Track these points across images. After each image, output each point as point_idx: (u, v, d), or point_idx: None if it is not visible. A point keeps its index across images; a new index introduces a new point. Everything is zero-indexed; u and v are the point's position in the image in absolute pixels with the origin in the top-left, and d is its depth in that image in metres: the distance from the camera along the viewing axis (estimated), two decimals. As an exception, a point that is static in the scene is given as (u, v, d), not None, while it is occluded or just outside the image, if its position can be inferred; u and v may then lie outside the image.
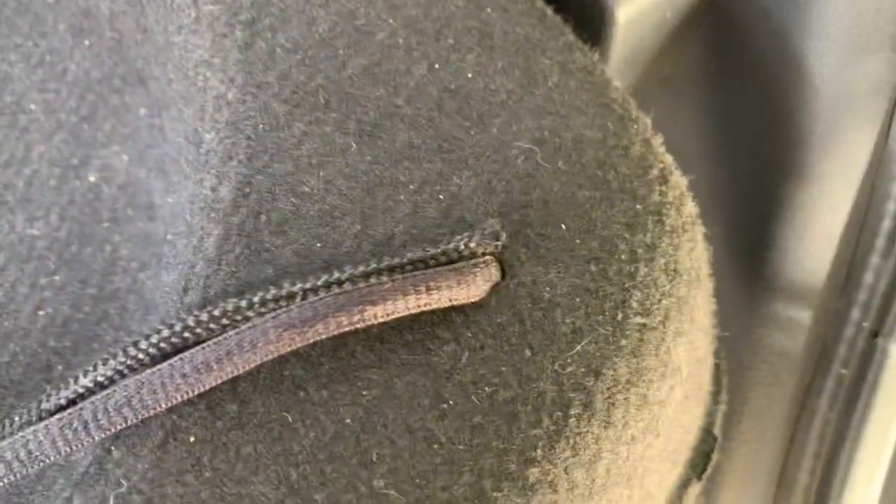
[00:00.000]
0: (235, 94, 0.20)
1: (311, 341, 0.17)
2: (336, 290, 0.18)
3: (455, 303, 0.18)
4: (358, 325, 0.17)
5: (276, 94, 0.20)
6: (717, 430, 0.24)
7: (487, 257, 0.19)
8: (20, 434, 0.17)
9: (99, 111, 0.27)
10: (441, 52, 0.21)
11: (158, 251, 0.24)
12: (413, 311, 0.18)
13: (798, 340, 0.26)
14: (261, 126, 0.20)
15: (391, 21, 0.21)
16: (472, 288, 0.18)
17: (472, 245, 0.19)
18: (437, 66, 0.21)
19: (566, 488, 0.18)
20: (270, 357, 0.17)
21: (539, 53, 0.22)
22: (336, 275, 0.18)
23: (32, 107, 0.27)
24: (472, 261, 0.18)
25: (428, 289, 0.17)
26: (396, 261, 0.18)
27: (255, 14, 0.21)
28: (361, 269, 0.18)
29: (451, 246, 0.18)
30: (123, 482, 0.17)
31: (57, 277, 0.24)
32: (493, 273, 0.19)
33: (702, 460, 0.24)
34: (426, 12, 0.22)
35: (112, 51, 0.27)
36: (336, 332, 0.17)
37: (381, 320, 0.17)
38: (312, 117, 0.20)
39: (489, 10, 0.22)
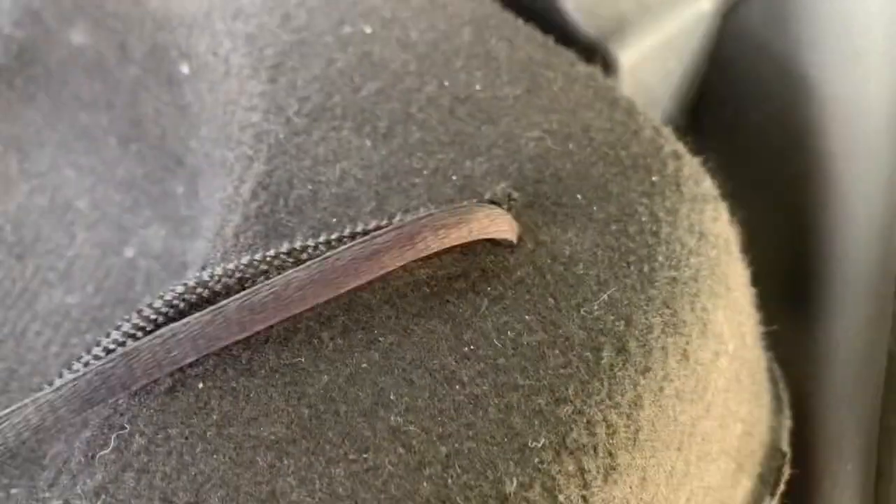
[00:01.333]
0: (259, 116, 0.22)
1: (327, 297, 0.17)
2: (353, 240, 0.17)
3: (484, 236, 0.18)
4: (381, 271, 0.17)
5: (297, 111, 0.22)
6: (784, 447, 0.22)
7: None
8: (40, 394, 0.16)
9: (140, 201, 0.28)
10: (450, 73, 0.23)
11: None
12: (444, 246, 0.17)
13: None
14: (281, 134, 0.21)
15: (403, 55, 0.23)
16: (499, 222, 0.18)
17: (487, 199, 0.19)
18: (446, 83, 0.22)
19: (605, 432, 0.16)
20: (286, 312, 0.17)
21: (543, 68, 0.23)
22: (349, 229, 0.18)
23: (80, 205, 0.29)
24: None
25: (451, 225, 0.17)
26: (404, 220, 0.18)
27: (279, 61, 0.23)
28: (374, 223, 0.18)
29: (462, 205, 0.18)
30: (127, 426, 0.16)
31: (88, 336, 0.24)
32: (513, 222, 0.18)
33: (772, 476, 0.21)
34: (435, 47, 0.23)
35: (155, 147, 0.29)
36: (358, 281, 0.17)
37: (406, 260, 0.17)
38: (330, 126, 0.21)
39: (494, 41, 0.24)
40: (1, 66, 0.31)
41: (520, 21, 0.25)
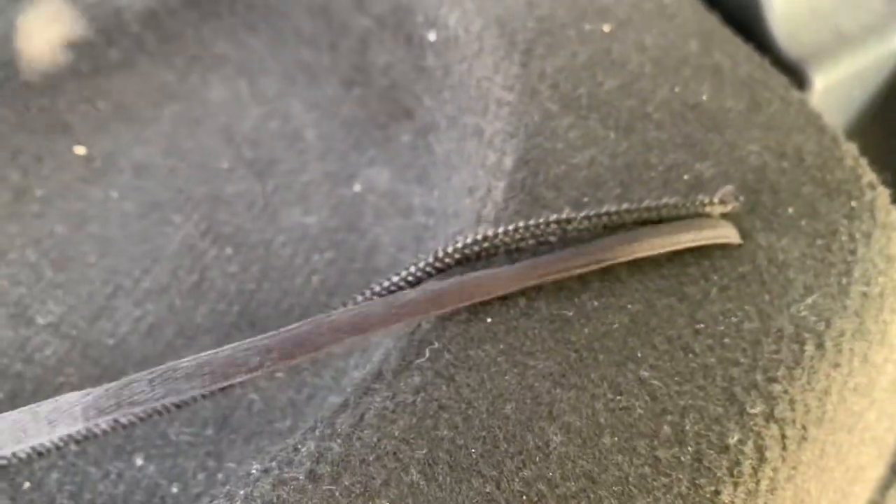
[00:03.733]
0: (514, 97, 0.25)
1: (590, 266, 0.21)
2: (606, 220, 0.21)
3: (715, 241, 0.21)
4: (624, 258, 0.21)
5: (549, 97, 0.25)
6: (915, 443, 0.26)
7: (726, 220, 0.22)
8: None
9: (363, 142, 0.32)
10: (681, 80, 0.26)
11: (417, 235, 0.28)
12: (669, 249, 0.21)
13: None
14: (536, 116, 0.25)
15: (639, 57, 0.27)
16: (728, 231, 0.22)
17: (715, 201, 0.22)
18: (677, 89, 0.26)
19: (802, 410, 0.20)
20: (557, 273, 0.21)
21: (762, 87, 0.26)
22: (605, 208, 0.22)
23: (308, 136, 0.33)
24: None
25: (678, 231, 0.21)
26: (654, 204, 0.22)
27: (529, 46, 0.27)
28: (626, 205, 0.22)
29: (698, 199, 0.22)
30: (435, 342, 0.20)
31: (327, 254, 0.29)
32: (734, 230, 0.22)
33: (901, 466, 0.25)
34: (667, 53, 0.27)
35: (382, 96, 0.33)
36: (607, 262, 0.21)
37: (641, 255, 0.21)
38: (578, 114, 0.25)
39: (718, 55, 0.27)
40: None
41: (739, 39, 0.28)
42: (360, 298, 0.21)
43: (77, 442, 0.20)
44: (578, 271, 0.21)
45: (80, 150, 0.33)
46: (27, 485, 0.24)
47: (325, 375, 0.25)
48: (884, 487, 0.25)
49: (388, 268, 0.28)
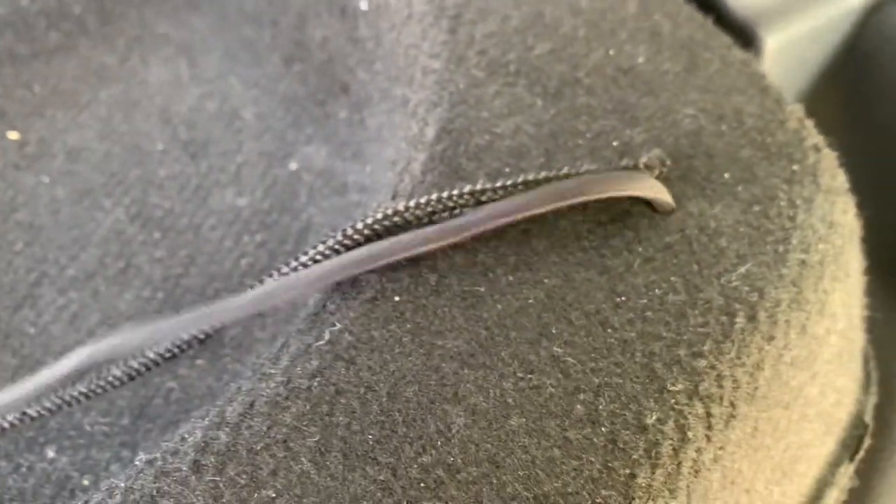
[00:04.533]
0: (440, 63, 0.24)
1: (501, 225, 0.20)
2: (522, 189, 0.20)
3: (638, 194, 0.20)
4: (550, 208, 0.20)
5: (475, 64, 0.24)
6: (867, 419, 0.24)
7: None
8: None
9: (302, 119, 0.31)
10: (616, 43, 0.25)
11: (350, 215, 0.27)
12: (600, 197, 0.20)
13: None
14: (461, 84, 0.24)
15: (573, 20, 0.25)
16: (657, 189, 0.20)
17: (641, 165, 0.21)
18: (611, 52, 0.24)
19: (731, 386, 0.19)
20: (469, 234, 0.19)
21: (702, 48, 0.25)
22: (522, 177, 0.20)
23: (246, 115, 0.32)
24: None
25: (613, 181, 0.20)
26: (573, 171, 0.21)
27: (458, 11, 0.26)
28: (544, 174, 0.21)
29: (623, 162, 0.21)
30: (337, 323, 0.19)
31: (258, 237, 0.28)
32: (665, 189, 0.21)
33: (854, 442, 0.24)
34: (603, 15, 0.25)
35: (319, 71, 0.31)
36: (525, 215, 0.20)
37: (568, 202, 0.20)
38: (505, 81, 0.24)
39: (657, 16, 0.25)
40: None
41: None
42: (271, 277, 0.20)
43: None
44: (494, 226, 0.19)
45: (13, 135, 0.32)
46: None
47: (246, 362, 0.24)
48: (833, 465, 0.23)
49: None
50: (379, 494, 0.17)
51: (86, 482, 0.22)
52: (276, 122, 0.31)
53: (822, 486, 0.24)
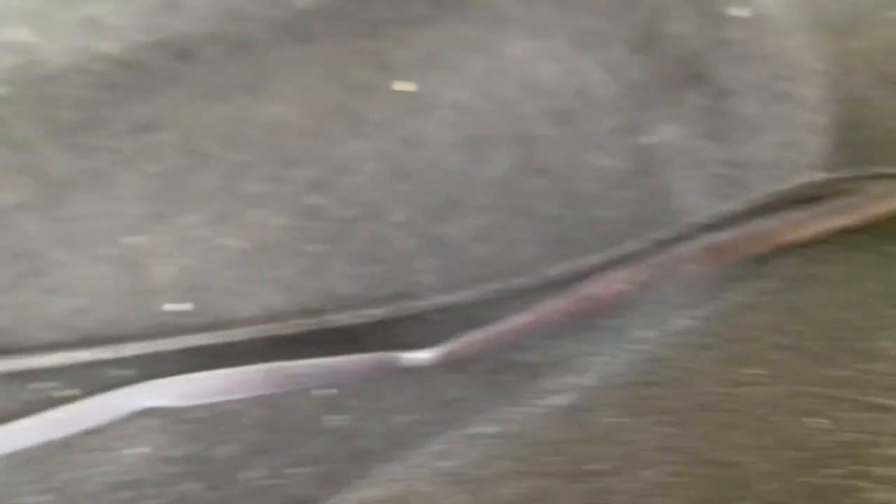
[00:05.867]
0: (830, 67, 0.29)
1: None
2: None
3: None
4: None
5: (863, 72, 0.29)
6: None
7: None
8: None
9: (656, 101, 0.37)
10: None
11: (713, 184, 0.33)
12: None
13: None
14: (850, 87, 0.29)
15: None
16: None
17: None
18: None
19: None
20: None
21: None
22: None
23: (601, 93, 0.37)
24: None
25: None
26: None
27: (841, 26, 0.31)
28: None
29: None
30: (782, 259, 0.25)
31: (625, 193, 0.34)
32: None
33: None
34: None
35: (671, 62, 0.37)
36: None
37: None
38: (890, 90, 0.29)
39: None
40: None
41: None
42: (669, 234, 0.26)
43: None
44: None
45: (405, 85, 0.39)
46: None
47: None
48: None
49: (683, 212, 0.33)
50: None
51: None
52: (629, 103, 0.37)
53: None
